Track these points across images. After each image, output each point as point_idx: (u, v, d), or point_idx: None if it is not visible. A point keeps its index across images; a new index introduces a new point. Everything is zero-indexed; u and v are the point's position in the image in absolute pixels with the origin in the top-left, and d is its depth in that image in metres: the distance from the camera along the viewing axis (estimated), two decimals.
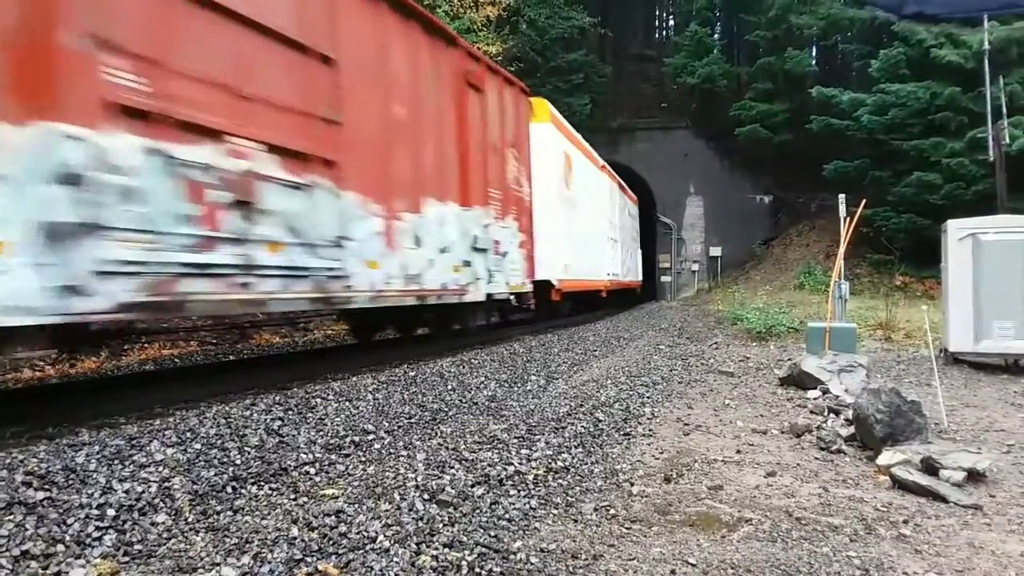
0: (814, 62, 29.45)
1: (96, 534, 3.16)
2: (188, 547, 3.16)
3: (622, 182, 24.45)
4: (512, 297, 11.42)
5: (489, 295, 10.22)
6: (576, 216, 16.24)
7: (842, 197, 10.94)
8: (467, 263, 9.46)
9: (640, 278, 28.31)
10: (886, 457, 4.87)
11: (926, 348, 9.16)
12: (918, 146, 20.33)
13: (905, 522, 3.85)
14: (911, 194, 20.50)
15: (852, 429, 5.67)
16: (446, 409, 6.29)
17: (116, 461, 3.90)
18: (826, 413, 6.54)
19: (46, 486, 3.48)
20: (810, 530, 3.70)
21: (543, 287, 13.25)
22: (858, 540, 3.58)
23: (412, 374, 7.42)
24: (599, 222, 19.74)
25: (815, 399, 7.23)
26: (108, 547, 3.09)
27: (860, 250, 21.84)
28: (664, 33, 39.38)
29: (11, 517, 3.13)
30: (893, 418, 5.29)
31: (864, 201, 11.02)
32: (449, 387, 7.10)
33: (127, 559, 3.04)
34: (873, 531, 3.71)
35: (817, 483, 4.59)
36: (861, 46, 25.03)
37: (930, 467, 4.60)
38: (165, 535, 3.28)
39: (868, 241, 21.75)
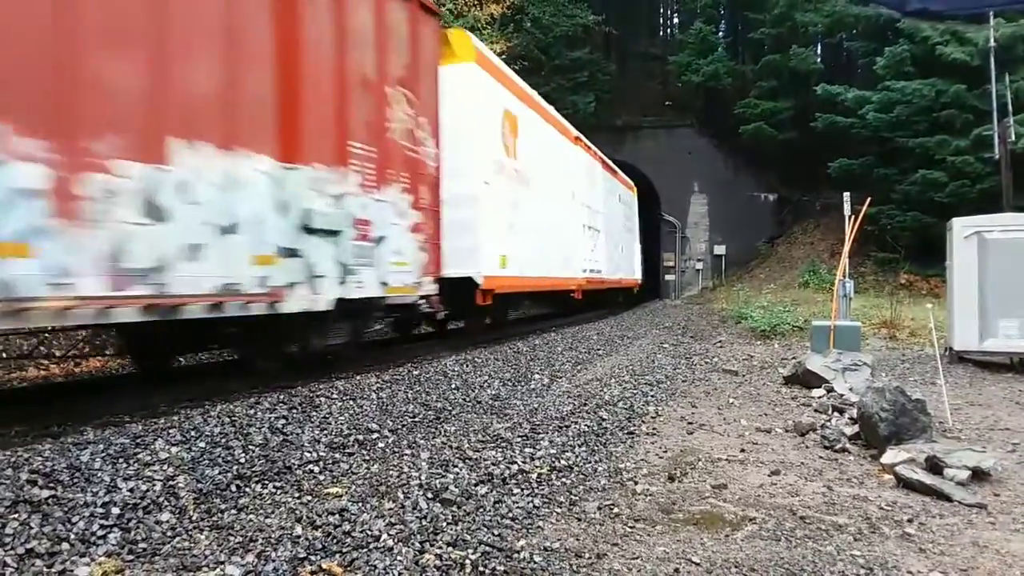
0: (819, 60, 29.35)
1: (101, 532, 3.17)
2: (192, 545, 3.17)
3: (610, 163, 21.31)
4: (423, 302, 8.44)
5: (347, 300, 6.98)
6: (526, 195, 12.49)
7: (847, 195, 10.92)
8: (290, 252, 6.23)
9: (637, 276, 25.64)
10: (890, 456, 4.86)
11: (931, 347, 9.14)
12: (923, 144, 20.27)
13: (909, 521, 3.85)
14: (916, 192, 20.45)
15: (856, 428, 5.66)
16: (450, 408, 6.29)
17: (121, 459, 3.91)
18: (830, 412, 6.53)
19: (51, 484, 3.49)
20: (814, 529, 3.70)
21: (468, 287, 10.07)
22: (862, 539, 3.58)
23: (416, 373, 7.42)
24: (569, 206, 15.85)
25: (819, 398, 7.23)
26: (113, 545, 3.10)
27: (865, 248, 21.79)
28: (669, 31, 39.31)
29: (16, 515, 3.14)
30: (897, 417, 5.28)
31: (869, 199, 11.01)
32: (453, 386, 7.11)
33: (132, 557, 3.05)
34: (877, 530, 3.71)
35: (821, 482, 4.58)
36: (866, 43, 24.96)
37: (934, 466, 4.59)
38: (169, 533, 3.29)
39: (873, 239, 21.69)
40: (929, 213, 19.63)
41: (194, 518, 3.47)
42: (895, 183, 21.17)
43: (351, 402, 5.91)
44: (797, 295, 20.31)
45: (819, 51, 30.40)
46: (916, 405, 5.42)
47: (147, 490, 3.60)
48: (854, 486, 4.53)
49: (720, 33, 33.40)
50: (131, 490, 3.56)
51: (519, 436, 5.32)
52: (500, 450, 4.90)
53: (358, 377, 7.01)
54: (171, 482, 3.75)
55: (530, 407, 6.47)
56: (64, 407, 5.69)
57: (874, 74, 22.42)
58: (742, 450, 5.34)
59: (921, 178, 20.16)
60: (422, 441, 5.14)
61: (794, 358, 9.39)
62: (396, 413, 5.84)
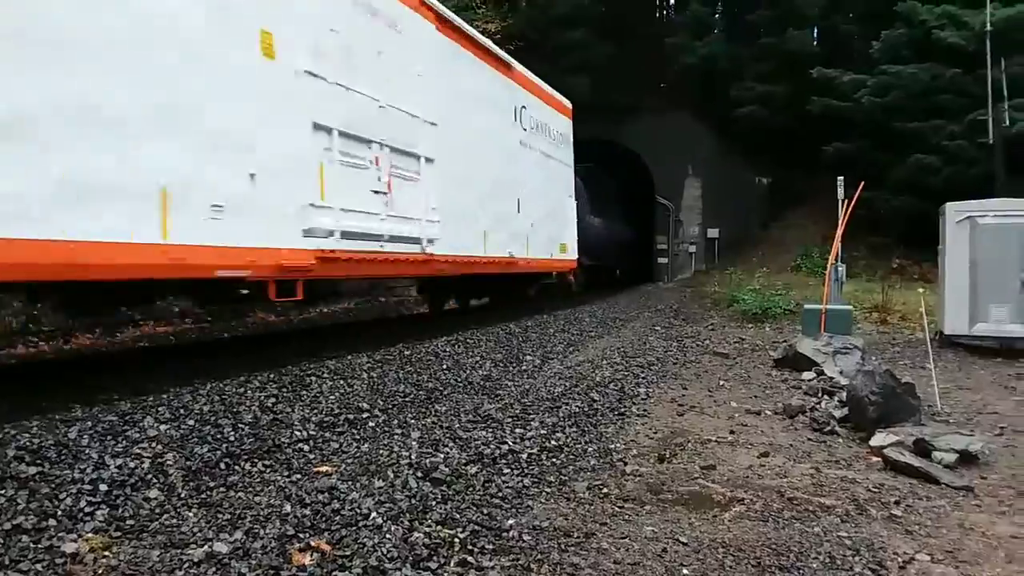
0: (815, 43, 29.18)
1: (88, 509, 3.16)
2: (180, 522, 3.16)
3: (513, 62, 12.45)
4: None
5: None
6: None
7: (840, 179, 10.90)
8: None
9: (572, 253, 15.72)
10: (879, 438, 4.89)
11: (921, 331, 9.17)
12: (918, 128, 20.22)
13: (897, 503, 3.87)
14: (910, 176, 20.40)
15: (846, 411, 5.69)
16: (441, 388, 6.29)
17: (109, 436, 3.90)
18: (820, 394, 6.56)
19: (38, 461, 3.48)
20: (802, 510, 3.71)
21: None
22: (849, 520, 3.60)
23: (407, 353, 7.41)
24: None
25: (810, 380, 7.25)
26: (100, 522, 3.09)
27: (858, 232, 21.74)
28: (665, 12, 39.05)
29: (3, 491, 3.13)
30: (887, 400, 5.31)
31: (863, 183, 10.97)
32: (444, 366, 7.10)
33: (119, 534, 3.04)
34: (865, 511, 3.73)
35: (810, 464, 4.60)
36: (862, 27, 24.84)
37: (923, 449, 4.62)
38: (158, 511, 3.28)
39: (866, 223, 21.64)
40: (923, 198, 19.56)
41: (183, 495, 3.46)
42: (889, 167, 21.13)
43: (341, 381, 5.90)
44: (789, 279, 20.32)
45: (815, 34, 30.22)
46: (905, 388, 5.45)
47: (135, 467, 3.58)
48: (842, 468, 4.55)
49: (716, 15, 33.16)
50: (119, 467, 3.54)
51: (510, 417, 5.33)
52: (491, 430, 4.90)
53: (349, 357, 7.00)
54: (160, 459, 3.74)
55: (521, 388, 6.47)
56: (53, 384, 5.67)
57: (870, 58, 22.31)
58: (732, 432, 5.36)
59: (915, 162, 20.12)
60: (413, 421, 5.13)
61: (785, 341, 9.41)
62: (387, 393, 5.83)
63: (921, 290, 8.59)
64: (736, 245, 27.85)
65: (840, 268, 10.41)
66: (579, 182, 17.67)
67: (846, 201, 10.44)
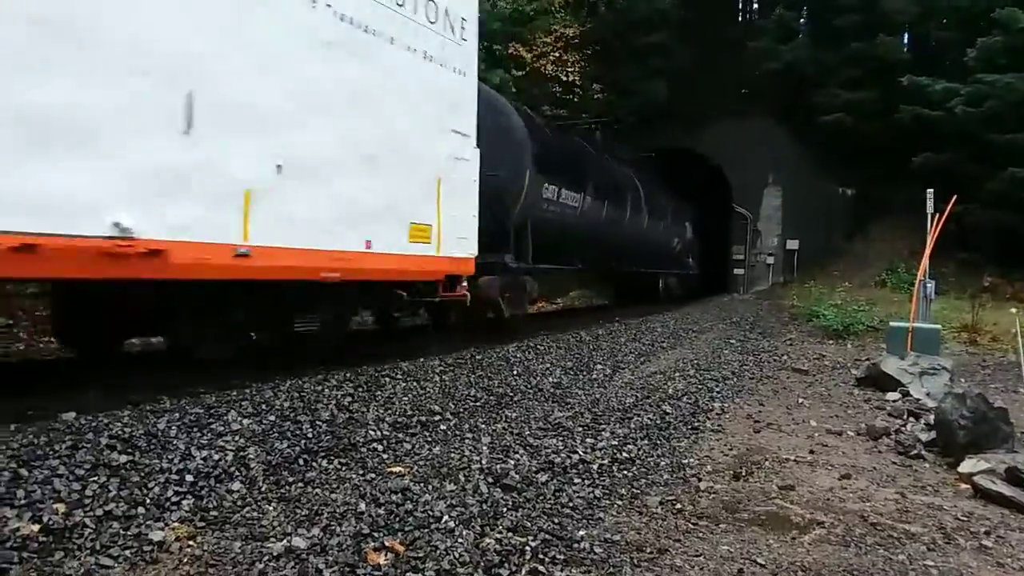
0: (905, 49, 28.11)
1: (175, 498, 3.28)
2: (261, 516, 3.25)
3: None
4: None
5: None
6: None
7: (930, 192, 10.47)
8: None
9: (468, 251, 8.21)
10: (968, 465, 4.67)
11: (1014, 353, 8.72)
12: (1014, 140, 19.25)
13: (987, 533, 3.69)
14: (1004, 190, 19.44)
15: (933, 434, 5.45)
16: (511, 394, 6.30)
17: (195, 428, 4.05)
18: (905, 416, 6.30)
19: (129, 450, 3.64)
20: (886, 536, 3.57)
21: None
22: (936, 549, 3.44)
23: (478, 358, 7.46)
24: None
25: (894, 401, 6.98)
26: (186, 512, 3.20)
27: (947, 248, 20.80)
28: (748, 16, 38.27)
29: (96, 478, 3.28)
30: (977, 425, 5.06)
31: (955, 197, 10.50)
32: (514, 372, 7.11)
33: (203, 524, 3.14)
34: (953, 540, 3.56)
35: (894, 488, 4.42)
36: (957, 33, 23.80)
37: (1016, 477, 4.39)
38: (239, 503, 3.38)
39: (955, 239, 20.70)
40: (1018, 213, 18.66)
41: (263, 489, 3.56)
42: (982, 180, 20.17)
43: (415, 383, 5.98)
44: (873, 294, 19.63)
45: (906, 40, 29.13)
46: (998, 413, 5.20)
47: (219, 460, 3.71)
48: (929, 494, 4.36)
49: (802, 19, 32.28)
50: (204, 459, 3.67)
51: (580, 426, 5.30)
52: (561, 439, 4.89)
53: (421, 359, 7.09)
54: (242, 453, 3.86)
55: (592, 397, 6.43)
56: (142, 375, 5.91)
57: (964, 65, 21.37)
58: (811, 451, 5.20)
59: (1010, 176, 19.17)
60: (483, 426, 5.16)
61: (868, 359, 9.10)
62: (458, 396, 5.88)
63: (1014, 310, 8.18)
64: (817, 257, 27.04)
65: (929, 285, 9.98)
66: (521, 128, 10.86)
67: (936, 215, 10.02)
